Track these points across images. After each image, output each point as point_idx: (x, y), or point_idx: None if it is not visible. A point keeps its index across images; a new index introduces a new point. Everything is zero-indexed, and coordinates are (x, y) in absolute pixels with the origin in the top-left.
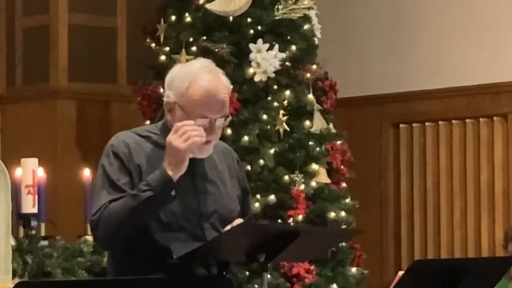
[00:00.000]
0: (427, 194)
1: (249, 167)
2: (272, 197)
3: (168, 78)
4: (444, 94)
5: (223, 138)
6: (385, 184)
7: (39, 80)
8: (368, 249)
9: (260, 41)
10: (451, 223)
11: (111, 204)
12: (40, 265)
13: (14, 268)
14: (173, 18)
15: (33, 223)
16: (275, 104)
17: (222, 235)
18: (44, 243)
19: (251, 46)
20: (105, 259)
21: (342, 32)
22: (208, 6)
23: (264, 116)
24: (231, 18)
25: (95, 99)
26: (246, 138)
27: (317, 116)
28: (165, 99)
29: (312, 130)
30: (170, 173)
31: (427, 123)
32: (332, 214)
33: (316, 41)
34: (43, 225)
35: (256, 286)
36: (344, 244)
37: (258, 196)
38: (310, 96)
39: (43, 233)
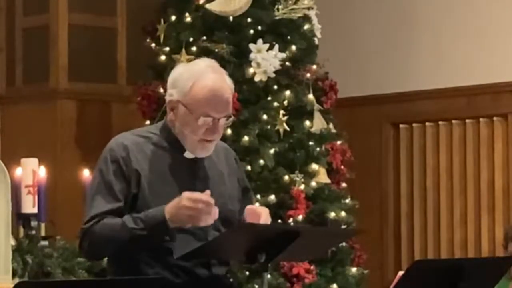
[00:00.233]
0: (427, 194)
1: (249, 167)
2: (272, 197)
3: (171, 77)
4: (444, 94)
5: (223, 138)
6: (385, 184)
7: (39, 80)
8: (368, 249)
9: (260, 41)
10: (451, 223)
11: (103, 221)
12: (40, 265)
13: (14, 268)
14: (173, 18)
15: (33, 223)
16: (275, 104)
17: (222, 235)
18: (44, 243)
19: (251, 46)
20: (105, 259)
21: (342, 32)
22: (208, 6)
23: (264, 116)
24: (231, 18)
25: (95, 99)
26: (246, 138)
27: (317, 116)
28: (167, 97)
29: (312, 130)
30: (168, 218)
31: (427, 123)
32: (332, 214)
33: (316, 41)
34: (43, 225)
35: (256, 286)
36: (344, 244)
37: (258, 196)
38: (310, 96)
39: (43, 233)
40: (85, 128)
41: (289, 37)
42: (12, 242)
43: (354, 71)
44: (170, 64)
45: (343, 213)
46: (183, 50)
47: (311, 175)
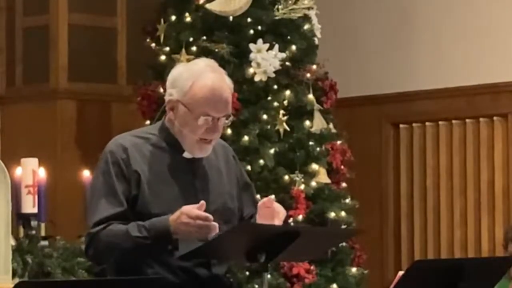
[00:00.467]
0: (427, 194)
1: (249, 167)
2: (272, 197)
3: (170, 76)
4: (444, 94)
5: (223, 138)
6: (385, 184)
7: (39, 80)
8: (368, 249)
9: (260, 41)
10: (451, 223)
11: (109, 228)
12: (40, 265)
13: (14, 268)
14: (173, 18)
15: (33, 223)
16: (275, 104)
17: (222, 235)
18: (44, 243)
19: (251, 46)
20: None
21: (342, 32)
22: (208, 6)
23: (264, 116)
24: (231, 18)
25: (95, 99)
26: (246, 138)
27: (317, 116)
28: (167, 97)
29: (312, 130)
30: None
31: (427, 123)
32: (332, 214)
33: (316, 41)
34: (43, 225)
35: (256, 286)
36: (344, 244)
37: (258, 196)
38: (310, 96)
39: (43, 233)
40: (85, 128)
41: (289, 37)
42: (12, 242)
43: (354, 71)
44: (170, 64)
45: (343, 213)
46: (183, 50)
47: (311, 175)
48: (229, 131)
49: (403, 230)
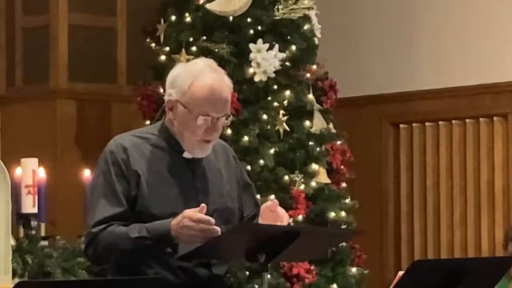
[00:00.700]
0: (427, 194)
1: (249, 167)
2: (272, 197)
3: (170, 76)
4: (444, 94)
5: (223, 138)
6: (385, 184)
7: (39, 80)
8: (368, 249)
9: (260, 41)
10: (451, 223)
11: (109, 229)
12: (40, 265)
13: (14, 268)
14: (173, 18)
15: (33, 223)
16: (275, 104)
17: (222, 235)
18: (44, 243)
19: (251, 46)
20: None
21: (342, 32)
22: (208, 6)
23: (264, 116)
24: (231, 18)
25: (95, 99)
26: (246, 138)
27: (317, 116)
28: (166, 97)
29: (312, 130)
30: (173, 235)
31: (427, 123)
32: (332, 214)
33: (316, 41)
34: (43, 225)
35: (256, 286)
36: (344, 244)
37: (258, 196)
38: (310, 96)
39: (43, 233)
40: (85, 128)
41: (289, 37)
42: (12, 242)
43: (354, 71)
44: (170, 64)
45: (343, 213)
46: (183, 50)
47: (311, 175)
48: (229, 131)
49: (403, 230)
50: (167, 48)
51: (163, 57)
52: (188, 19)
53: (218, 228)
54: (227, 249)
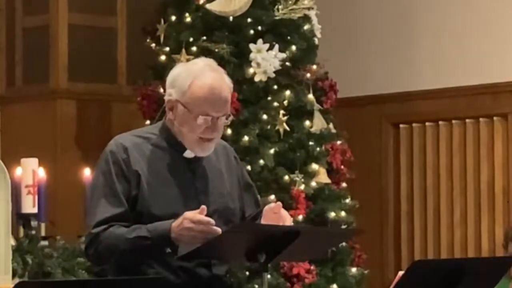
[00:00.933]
0: (427, 194)
1: (249, 167)
2: (272, 197)
3: (170, 76)
4: (444, 94)
5: (223, 138)
6: (385, 184)
7: (39, 80)
8: (368, 249)
9: (260, 41)
10: (451, 223)
11: (110, 230)
12: (40, 265)
13: (14, 268)
14: (173, 18)
15: (33, 223)
16: (275, 104)
17: (222, 235)
18: (44, 243)
19: (251, 46)
20: None
21: (342, 32)
22: (208, 6)
23: (264, 116)
24: (231, 18)
25: (95, 99)
26: (246, 138)
27: (317, 116)
28: (166, 97)
29: (312, 130)
30: (172, 237)
31: (427, 123)
32: (332, 214)
33: (316, 41)
34: (43, 225)
35: (256, 286)
36: (344, 244)
37: (258, 196)
38: (310, 96)
39: (43, 233)
40: (85, 128)
41: (289, 37)
42: (12, 242)
43: (354, 71)
44: (170, 64)
45: (343, 213)
46: (183, 50)
47: (311, 175)
48: (229, 131)
49: (403, 230)
50: (167, 48)
51: (163, 57)
52: (188, 19)
53: (218, 229)
54: (227, 249)
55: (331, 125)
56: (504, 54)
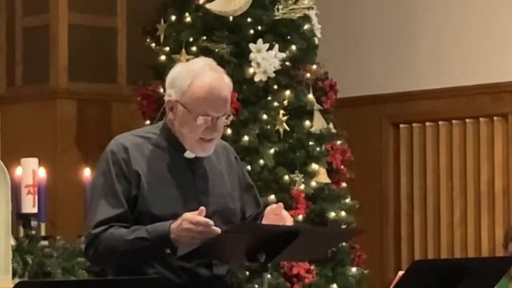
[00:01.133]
0: (427, 194)
1: (249, 167)
2: (272, 197)
3: (169, 76)
4: (444, 94)
5: (224, 138)
6: (385, 184)
7: (39, 80)
8: (368, 249)
9: (260, 41)
10: (451, 223)
11: (110, 231)
12: (40, 265)
13: (14, 268)
14: (173, 18)
15: (33, 223)
16: (275, 104)
17: (222, 234)
18: (44, 243)
19: (251, 46)
20: None
21: (342, 32)
22: (208, 6)
23: (264, 116)
24: (231, 18)
25: (95, 99)
26: (246, 138)
27: (317, 116)
28: (166, 97)
29: (312, 130)
30: (172, 238)
31: (427, 123)
32: (332, 214)
33: (316, 41)
34: (43, 225)
35: (256, 286)
36: (344, 244)
37: (259, 196)
38: (310, 96)
39: (43, 233)
40: (85, 128)
41: (289, 37)
42: (12, 242)
43: (354, 71)
44: (170, 64)
45: (343, 213)
46: (183, 50)
47: (311, 175)
48: (229, 131)
49: (403, 230)
50: (167, 48)
51: (163, 57)
52: (188, 19)
53: (218, 229)
54: (227, 249)
55: (331, 125)
56: (504, 54)
